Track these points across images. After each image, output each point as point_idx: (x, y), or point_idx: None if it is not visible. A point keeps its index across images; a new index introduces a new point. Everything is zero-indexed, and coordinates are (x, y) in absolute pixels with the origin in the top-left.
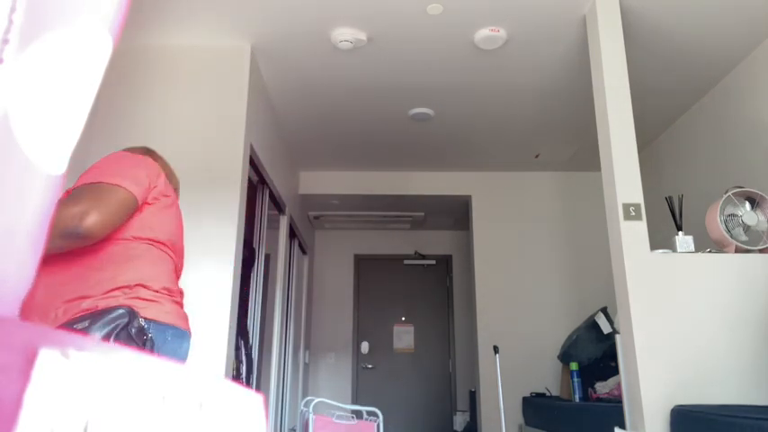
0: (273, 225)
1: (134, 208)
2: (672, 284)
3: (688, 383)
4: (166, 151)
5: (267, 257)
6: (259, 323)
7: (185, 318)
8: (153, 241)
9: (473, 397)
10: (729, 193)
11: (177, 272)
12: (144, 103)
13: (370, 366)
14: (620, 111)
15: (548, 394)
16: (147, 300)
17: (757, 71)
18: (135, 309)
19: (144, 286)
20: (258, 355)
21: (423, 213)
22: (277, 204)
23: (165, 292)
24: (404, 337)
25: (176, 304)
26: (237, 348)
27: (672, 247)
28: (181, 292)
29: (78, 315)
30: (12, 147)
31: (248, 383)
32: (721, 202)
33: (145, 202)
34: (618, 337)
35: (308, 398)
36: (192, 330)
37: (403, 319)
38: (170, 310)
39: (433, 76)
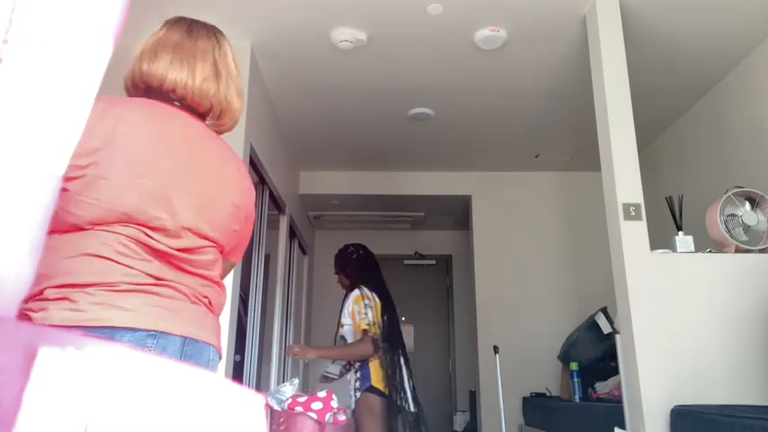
0: (273, 225)
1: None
2: (672, 284)
3: (688, 383)
4: None
5: (267, 257)
6: (259, 323)
7: (119, 309)
8: (77, 228)
9: (473, 397)
10: (729, 193)
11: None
12: None
13: None
14: (620, 111)
15: (548, 394)
16: (47, 300)
17: (757, 71)
18: (30, 315)
19: (47, 286)
20: (258, 355)
21: (423, 213)
22: (277, 204)
23: (81, 285)
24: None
25: (112, 293)
26: None
27: (672, 247)
28: (127, 282)
29: None
30: (12, 147)
31: None
32: (721, 202)
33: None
34: (618, 337)
35: None
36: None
37: (403, 319)
38: (85, 306)
39: (433, 76)
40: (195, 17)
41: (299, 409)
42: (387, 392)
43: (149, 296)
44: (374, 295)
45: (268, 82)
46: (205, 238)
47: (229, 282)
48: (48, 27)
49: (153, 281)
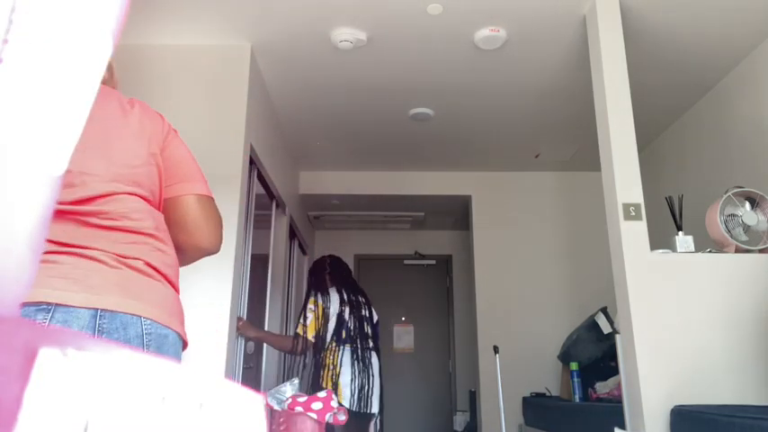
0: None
1: None
2: (672, 284)
3: (688, 383)
4: None
5: (267, 257)
6: (258, 323)
7: (41, 285)
8: None
9: (473, 397)
10: (729, 193)
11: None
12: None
13: None
14: (620, 111)
15: (548, 394)
16: None
17: (757, 71)
18: None
19: None
20: (258, 356)
21: (423, 213)
22: (277, 204)
23: None
24: (404, 337)
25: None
26: None
27: (672, 247)
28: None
29: None
30: (12, 147)
31: None
32: (721, 202)
33: None
34: (618, 337)
35: None
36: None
37: (403, 319)
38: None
39: (433, 76)
40: (196, 17)
41: (299, 409)
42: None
43: (42, 265)
44: (324, 298)
45: (268, 82)
46: (105, 180)
47: (229, 282)
48: (48, 27)
49: (48, 246)
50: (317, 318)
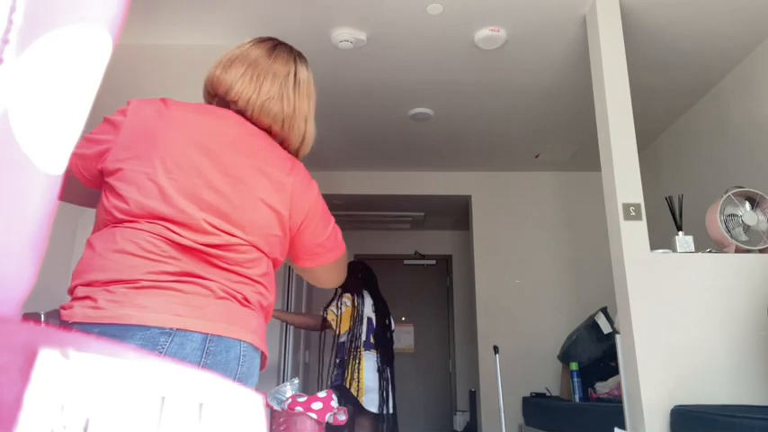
0: None
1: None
2: (672, 284)
3: (688, 383)
4: None
5: None
6: None
7: (135, 307)
8: (112, 222)
9: (473, 397)
10: (729, 193)
11: (178, 237)
12: None
13: None
14: (620, 111)
15: (548, 394)
16: (76, 299)
17: (757, 71)
18: (61, 312)
19: (79, 283)
20: None
21: (423, 213)
22: None
23: (104, 282)
24: (404, 337)
25: (132, 290)
26: None
27: (672, 247)
28: (145, 282)
29: None
30: (12, 147)
31: None
32: (721, 202)
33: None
34: (618, 337)
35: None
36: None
37: (403, 319)
38: (104, 304)
39: (433, 76)
40: (196, 16)
41: (299, 409)
42: (355, 393)
43: (169, 292)
44: (359, 301)
45: None
46: (236, 237)
47: None
48: (48, 27)
49: (175, 277)
50: (352, 316)
